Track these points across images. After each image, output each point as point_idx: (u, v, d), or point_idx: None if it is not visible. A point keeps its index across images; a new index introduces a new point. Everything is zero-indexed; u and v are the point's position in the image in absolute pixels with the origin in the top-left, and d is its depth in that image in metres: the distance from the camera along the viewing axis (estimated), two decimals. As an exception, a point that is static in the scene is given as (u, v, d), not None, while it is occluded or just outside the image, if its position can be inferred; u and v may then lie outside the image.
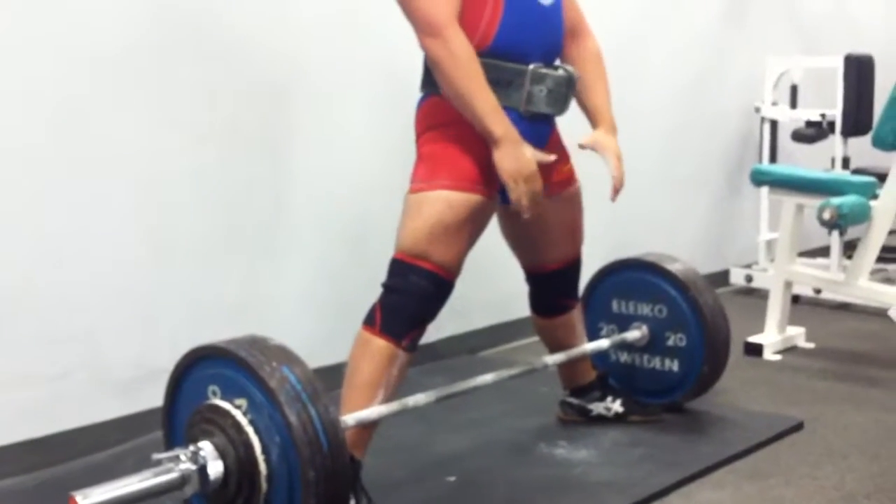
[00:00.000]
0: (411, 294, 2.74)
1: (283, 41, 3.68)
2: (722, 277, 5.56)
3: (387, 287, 2.78)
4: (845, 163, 5.31)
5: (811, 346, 4.50)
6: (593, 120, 3.13)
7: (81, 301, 3.23)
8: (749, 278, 5.55)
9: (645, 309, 3.52)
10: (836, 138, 5.31)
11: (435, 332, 4.08)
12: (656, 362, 3.53)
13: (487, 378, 3.11)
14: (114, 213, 3.28)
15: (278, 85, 3.69)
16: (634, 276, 3.56)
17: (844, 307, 5.13)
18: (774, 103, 5.52)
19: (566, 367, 3.43)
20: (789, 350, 4.44)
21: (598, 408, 3.44)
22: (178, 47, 3.39)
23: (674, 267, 3.51)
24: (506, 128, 2.71)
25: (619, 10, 4.86)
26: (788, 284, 4.43)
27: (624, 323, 3.56)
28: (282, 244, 3.73)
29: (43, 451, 3.15)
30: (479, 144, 2.75)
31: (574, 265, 3.28)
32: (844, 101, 5.24)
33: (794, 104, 5.58)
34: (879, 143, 4.18)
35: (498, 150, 2.71)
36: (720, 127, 5.73)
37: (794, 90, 5.59)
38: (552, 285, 3.27)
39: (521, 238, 3.20)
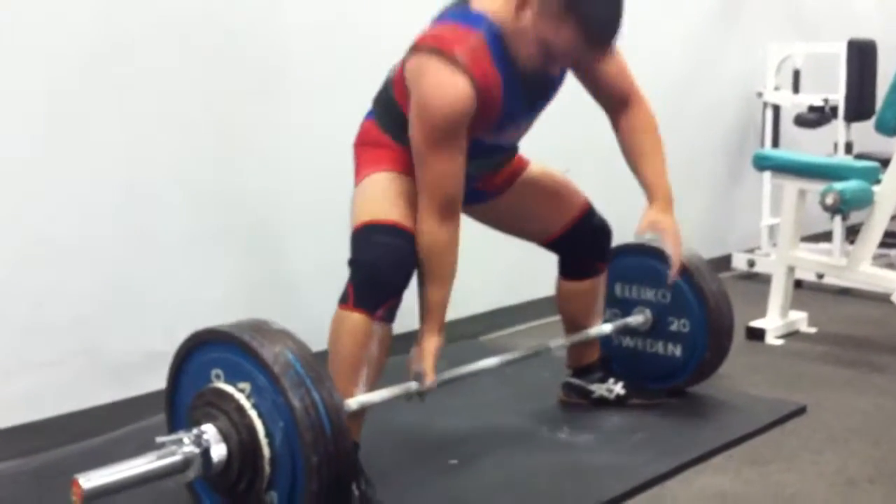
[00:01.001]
0: (379, 256, 2.73)
1: (274, 40, 3.67)
2: (724, 262, 5.55)
3: (354, 261, 2.78)
4: (848, 148, 5.30)
5: (813, 330, 4.50)
6: (649, 194, 3.12)
7: (76, 287, 3.22)
8: (751, 263, 5.54)
9: (648, 294, 3.51)
10: (839, 123, 5.30)
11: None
12: (659, 347, 3.52)
13: (491, 361, 3.11)
14: (107, 202, 3.28)
15: (269, 83, 3.68)
16: (638, 261, 3.54)
17: (846, 292, 5.12)
18: (777, 88, 5.51)
19: (575, 343, 3.42)
20: (791, 335, 4.43)
21: (599, 389, 3.43)
22: (168, 45, 3.38)
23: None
24: (428, 327, 2.82)
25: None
26: (791, 269, 4.42)
27: (627, 307, 3.55)
28: (275, 230, 3.72)
29: (40, 435, 3.16)
30: (406, 151, 2.83)
31: (587, 222, 3.25)
32: (847, 86, 5.23)
33: (796, 89, 5.56)
34: (882, 128, 4.17)
35: (418, 341, 2.83)
36: (722, 112, 5.71)
37: (796, 75, 5.57)
38: (573, 246, 3.26)
39: (506, 225, 3.27)
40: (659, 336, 3.51)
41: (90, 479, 2.18)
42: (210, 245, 3.54)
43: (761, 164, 4.54)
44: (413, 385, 2.80)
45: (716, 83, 5.60)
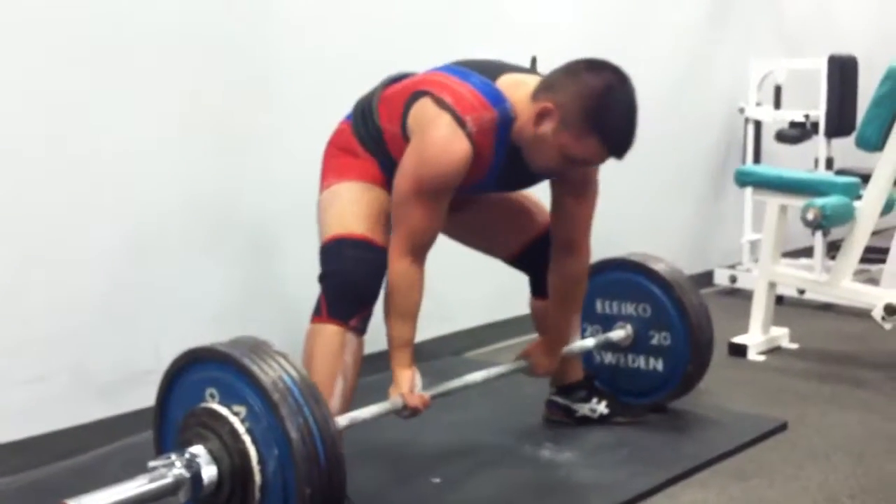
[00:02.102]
0: (349, 269, 2.78)
1: (268, 39, 3.67)
2: (706, 278, 5.57)
3: (324, 273, 2.81)
4: (829, 163, 5.33)
5: (795, 346, 4.51)
6: (551, 335, 3.23)
7: (63, 303, 3.21)
8: (733, 279, 5.56)
9: (629, 309, 3.53)
10: (820, 139, 5.33)
11: (419, 333, 4.08)
12: (640, 362, 3.53)
13: (476, 376, 3.11)
14: (95, 215, 3.27)
15: (264, 83, 3.68)
16: (619, 277, 3.56)
17: (828, 308, 5.14)
18: (758, 104, 5.54)
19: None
20: (773, 351, 4.45)
21: (582, 409, 3.44)
22: (161, 44, 3.38)
23: (658, 266, 3.51)
24: (399, 363, 2.82)
25: (603, 11, 4.87)
26: (772, 285, 4.43)
27: (608, 323, 3.56)
28: (266, 245, 3.72)
29: (25, 453, 3.14)
30: (379, 168, 2.90)
31: (548, 239, 3.22)
32: (828, 101, 5.26)
33: (777, 105, 5.58)
34: (863, 144, 4.19)
35: (393, 379, 2.83)
36: (704, 128, 5.74)
37: (777, 91, 5.59)
38: (538, 261, 3.24)
39: (472, 238, 3.29)
40: (640, 351, 3.52)
41: (80, 503, 2.17)
42: (200, 262, 3.53)
43: (743, 179, 4.56)
44: (399, 401, 2.80)
45: (699, 99, 5.62)
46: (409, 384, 2.80)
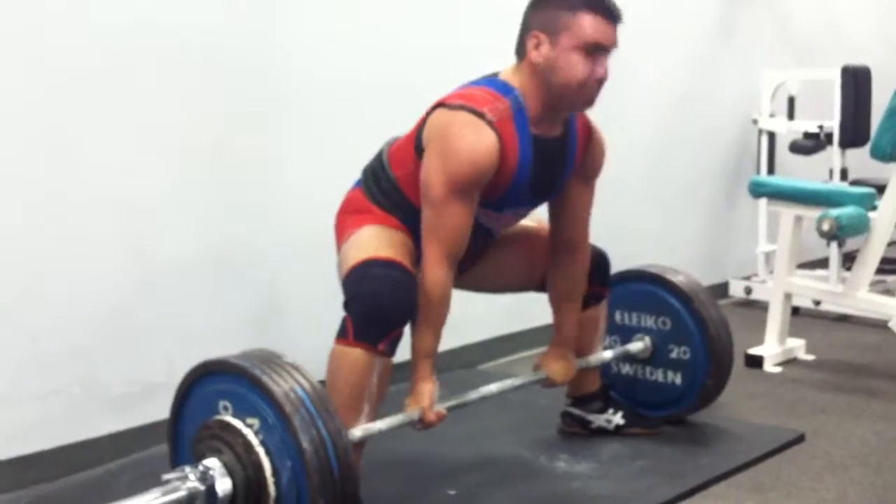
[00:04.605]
0: (381, 288, 2.71)
1: (270, 59, 3.67)
2: (721, 289, 5.55)
3: (351, 297, 2.75)
4: (843, 174, 5.30)
5: (811, 357, 4.49)
6: (556, 336, 3.25)
7: (74, 317, 3.21)
8: (748, 290, 5.54)
9: (649, 321, 3.51)
10: (834, 149, 5.31)
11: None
12: (659, 375, 3.51)
13: (492, 388, 3.11)
14: (104, 229, 3.27)
15: (266, 103, 3.68)
16: (638, 288, 3.55)
17: (844, 319, 5.11)
18: (772, 115, 5.52)
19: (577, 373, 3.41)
20: (789, 362, 4.43)
21: (598, 420, 3.42)
22: (164, 65, 3.38)
23: (678, 279, 3.50)
24: (422, 374, 2.82)
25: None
26: (788, 296, 4.41)
27: (627, 334, 3.54)
28: (271, 261, 3.71)
29: (37, 467, 3.14)
30: (395, 218, 2.91)
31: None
32: (842, 112, 5.24)
33: (791, 116, 5.57)
34: (877, 154, 4.18)
35: (413, 387, 2.83)
36: (717, 139, 5.72)
37: (791, 102, 5.58)
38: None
39: (494, 283, 3.30)
40: (659, 364, 3.51)
41: None
42: (208, 275, 3.53)
43: (757, 190, 4.54)
44: (415, 414, 2.79)
45: (712, 110, 5.61)
46: (430, 399, 2.80)
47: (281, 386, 2.32)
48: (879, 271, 4.43)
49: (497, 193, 2.82)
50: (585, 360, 3.35)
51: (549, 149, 2.88)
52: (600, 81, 2.81)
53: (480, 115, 2.71)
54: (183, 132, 3.44)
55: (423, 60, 4.02)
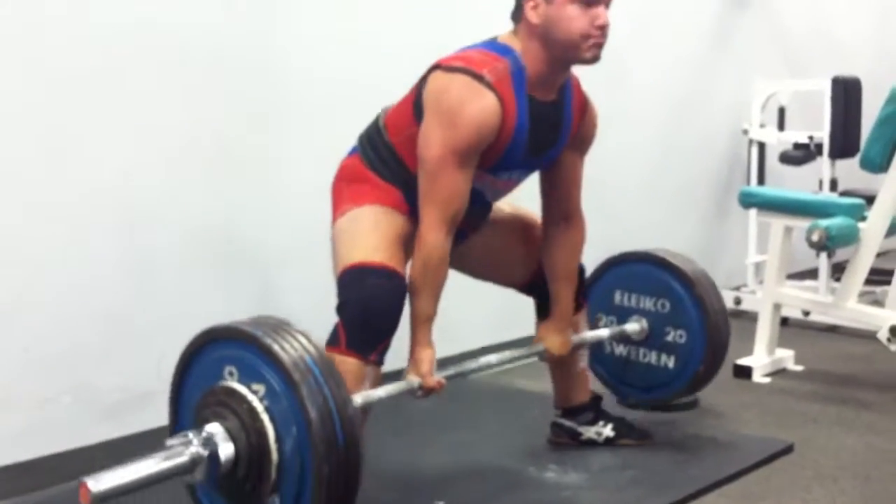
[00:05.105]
0: (370, 299, 2.71)
1: (270, 59, 3.68)
2: (710, 299, 5.54)
3: (343, 303, 2.75)
4: (833, 185, 5.32)
5: (800, 368, 4.50)
6: (553, 309, 3.23)
7: (66, 324, 3.21)
8: (738, 300, 5.55)
9: (647, 303, 3.50)
10: (824, 160, 5.32)
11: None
12: (652, 357, 3.50)
13: (491, 359, 3.14)
14: (98, 236, 3.26)
15: (266, 103, 3.68)
16: (641, 269, 3.55)
17: (833, 329, 5.12)
18: (762, 125, 5.54)
19: (564, 383, 3.42)
20: (779, 372, 4.43)
21: (588, 431, 3.42)
22: (164, 65, 3.38)
23: (682, 263, 3.50)
24: (421, 341, 2.82)
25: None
26: (777, 307, 4.42)
27: (624, 315, 3.54)
28: (270, 263, 3.71)
29: (29, 475, 3.13)
30: (397, 192, 2.90)
31: None
32: (832, 123, 5.26)
33: (781, 126, 5.59)
34: (867, 165, 4.19)
35: (412, 353, 2.84)
36: (708, 149, 5.74)
37: (781, 112, 5.60)
38: (542, 287, 3.26)
39: (482, 271, 3.29)
40: (653, 346, 3.50)
41: (99, 482, 2.16)
42: (203, 281, 3.52)
43: (747, 201, 4.56)
44: (415, 381, 2.79)
45: (702, 120, 5.63)
46: (429, 365, 2.80)
47: (289, 353, 2.28)
48: (868, 282, 4.44)
49: (494, 155, 2.82)
50: (581, 337, 3.35)
51: (545, 112, 2.88)
52: (602, 29, 2.79)
53: (479, 78, 2.72)
54: (182, 133, 3.45)
55: (423, 60, 4.01)
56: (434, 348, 2.85)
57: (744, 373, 4.34)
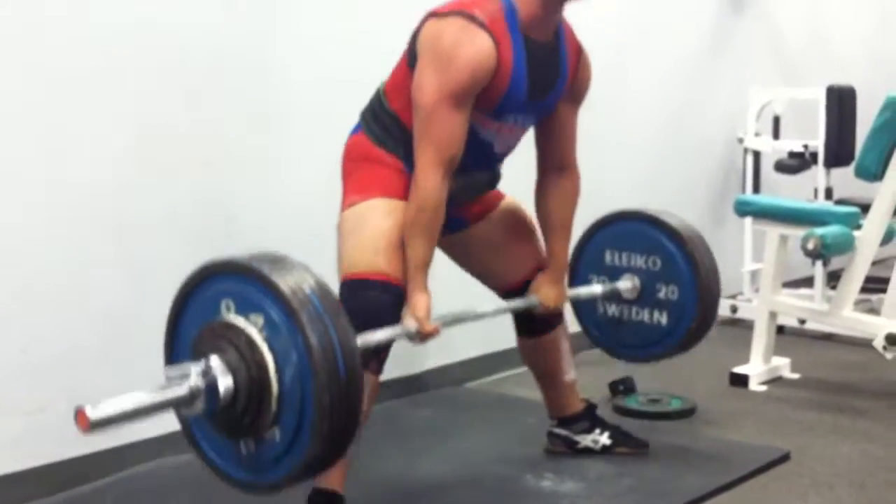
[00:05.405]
0: (370, 312, 2.71)
1: (270, 60, 3.68)
2: (706, 308, 5.55)
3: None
4: (828, 193, 5.33)
5: (796, 376, 4.50)
6: (550, 262, 3.21)
7: (59, 333, 3.20)
8: (734, 309, 5.55)
9: (638, 260, 3.45)
10: (819, 169, 5.33)
11: (420, 363, 4.08)
12: (644, 315, 3.46)
13: (487, 308, 3.11)
14: (96, 238, 3.26)
15: (266, 103, 3.69)
16: (631, 228, 3.50)
17: (829, 337, 5.13)
18: (757, 134, 5.54)
19: (553, 395, 3.42)
20: (775, 381, 4.44)
21: (585, 440, 3.43)
22: (164, 66, 3.38)
23: (673, 220, 3.46)
24: (417, 286, 2.78)
25: (602, 40, 4.87)
26: (773, 315, 4.43)
27: (615, 274, 3.49)
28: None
29: (22, 485, 3.12)
30: (397, 175, 2.87)
31: None
32: (827, 131, 5.27)
33: (776, 135, 5.60)
34: (862, 174, 4.20)
35: (408, 300, 2.78)
36: (703, 157, 5.75)
37: (776, 121, 5.61)
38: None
39: (474, 263, 3.26)
40: (646, 304, 3.45)
41: (97, 409, 2.10)
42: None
43: (743, 209, 4.57)
44: (412, 326, 2.75)
45: (698, 128, 5.64)
46: (425, 310, 2.76)
47: (288, 282, 2.21)
48: (864, 290, 4.44)
49: (495, 96, 2.81)
50: (576, 292, 3.35)
51: (542, 53, 2.88)
52: None
53: (472, 18, 2.72)
54: (182, 133, 3.44)
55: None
56: (430, 294, 2.80)
57: (740, 381, 4.34)
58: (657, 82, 5.32)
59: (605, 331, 3.54)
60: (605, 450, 3.42)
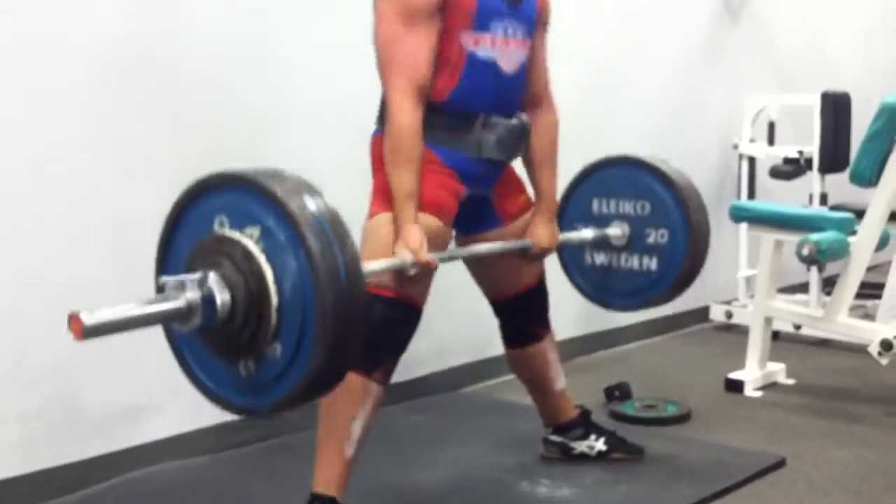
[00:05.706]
0: (378, 325, 2.68)
1: (270, 61, 3.69)
2: (702, 313, 5.56)
3: None
4: (823, 199, 5.34)
5: (792, 382, 4.50)
6: (538, 201, 3.17)
7: (55, 339, 3.18)
8: (729, 314, 5.56)
9: (627, 207, 3.41)
10: (814, 175, 5.34)
11: (416, 369, 4.08)
12: (634, 261, 3.40)
13: (481, 248, 3.06)
14: (92, 247, 3.26)
15: (266, 105, 3.69)
16: (619, 173, 3.47)
17: (824, 343, 5.13)
18: (752, 140, 5.55)
19: (546, 404, 3.41)
20: (770, 386, 4.44)
21: (580, 446, 3.42)
22: (161, 69, 3.39)
23: (661, 164, 3.44)
24: (407, 217, 2.72)
25: (597, 46, 4.89)
26: (768, 320, 4.43)
27: (603, 223, 3.45)
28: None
29: (19, 490, 3.11)
30: (429, 175, 2.80)
31: (538, 290, 3.28)
32: (821, 137, 5.28)
33: (771, 141, 5.61)
34: (857, 180, 4.21)
35: (399, 234, 2.73)
36: (698, 163, 5.72)
37: (771, 127, 5.62)
38: (518, 311, 3.26)
39: (482, 267, 3.23)
40: (635, 250, 3.41)
41: (93, 316, 2.06)
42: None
43: (738, 215, 4.57)
44: (407, 257, 2.69)
45: (693, 134, 5.64)
46: (419, 239, 2.70)
47: (282, 190, 2.15)
48: (859, 296, 4.45)
49: (468, 7, 2.77)
50: (566, 236, 3.31)
51: None
52: None
53: None
54: (182, 137, 3.45)
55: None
56: (421, 228, 2.74)
57: (735, 387, 4.34)
58: (653, 88, 5.32)
59: (592, 280, 3.48)
60: (600, 455, 3.42)
